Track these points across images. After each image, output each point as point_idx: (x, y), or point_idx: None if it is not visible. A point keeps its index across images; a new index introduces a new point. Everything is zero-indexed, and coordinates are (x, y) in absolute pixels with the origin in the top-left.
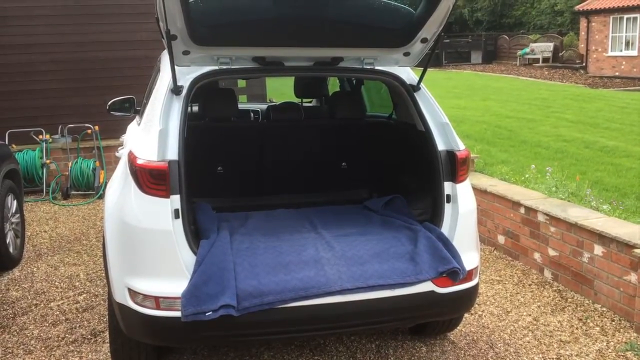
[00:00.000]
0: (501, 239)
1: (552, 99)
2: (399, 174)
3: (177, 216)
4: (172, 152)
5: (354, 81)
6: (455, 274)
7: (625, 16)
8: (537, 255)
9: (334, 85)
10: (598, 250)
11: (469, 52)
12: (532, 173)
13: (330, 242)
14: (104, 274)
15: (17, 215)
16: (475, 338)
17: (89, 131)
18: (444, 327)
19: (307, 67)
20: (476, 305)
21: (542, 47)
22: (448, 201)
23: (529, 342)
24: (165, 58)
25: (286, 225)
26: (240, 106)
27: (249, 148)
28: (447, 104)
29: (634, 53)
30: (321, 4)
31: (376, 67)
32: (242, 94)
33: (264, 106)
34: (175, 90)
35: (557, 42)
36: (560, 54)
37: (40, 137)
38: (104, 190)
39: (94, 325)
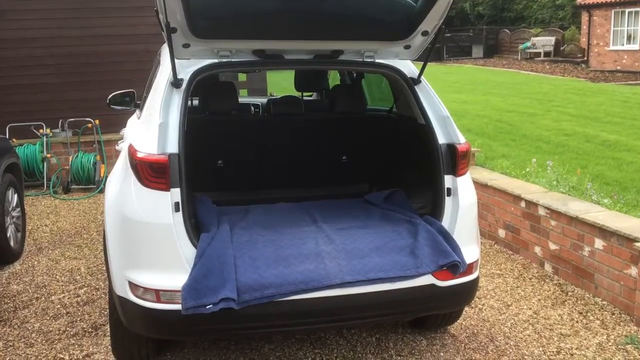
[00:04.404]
0: (502, 232)
1: (553, 93)
2: (400, 167)
3: (177, 209)
4: (172, 146)
5: (355, 74)
6: (455, 267)
7: (627, 10)
8: (537, 249)
9: (334, 78)
10: (599, 244)
11: (470, 46)
12: (533, 167)
13: (330, 236)
14: (104, 268)
15: (18, 209)
16: (475, 331)
17: (90, 125)
18: (444, 321)
19: (307, 60)
20: (476, 299)
21: (544, 41)
22: (448, 194)
23: (529, 335)
24: (165, 51)
25: (286, 218)
26: (241, 100)
27: (249, 142)
28: (448, 98)
29: (636, 47)
30: None
31: (377, 60)
32: (242, 88)
33: (264, 100)
34: (175, 83)
35: (558, 36)
36: (562, 48)
37: (41, 131)
38: (104, 185)
39: (95, 318)
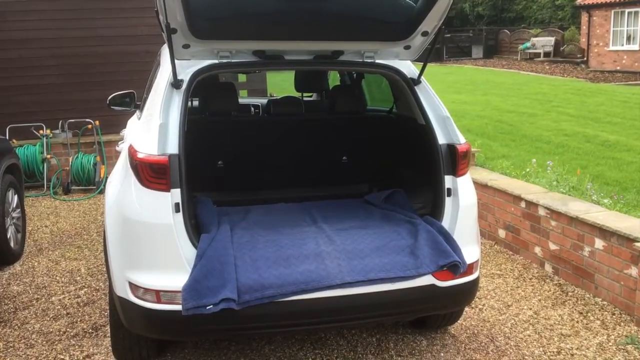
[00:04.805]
0: (502, 233)
1: (553, 93)
2: (400, 167)
3: (177, 210)
4: (173, 146)
5: (355, 75)
6: (455, 267)
7: (627, 10)
8: (537, 249)
9: (334, 79)
10: (599, 244)
11: (470, 47)
12: (533, 167)
13: (330, 236)
14: (105, 268)
15: (18, 210)
16: (475, 332)
17: (90, 126)
18: (444, 321)
19: (307, 60)
20: (477, 299)
21: (543, 42)
22: (449, 195)
23: (529, 335)
24: (165, 52)
25: (286, 219)
26: (241, 100)
27: (249, 142)
28: (448, 98)
29: (635, 47)
30: None
31: (377, 61)
32: (242, 89)
33: (264, 101)
34: (176, 84)
35: (558, 36)
36: (562, 49)
37: (41, 132)
38: (104, 185)
39: (95, 319)
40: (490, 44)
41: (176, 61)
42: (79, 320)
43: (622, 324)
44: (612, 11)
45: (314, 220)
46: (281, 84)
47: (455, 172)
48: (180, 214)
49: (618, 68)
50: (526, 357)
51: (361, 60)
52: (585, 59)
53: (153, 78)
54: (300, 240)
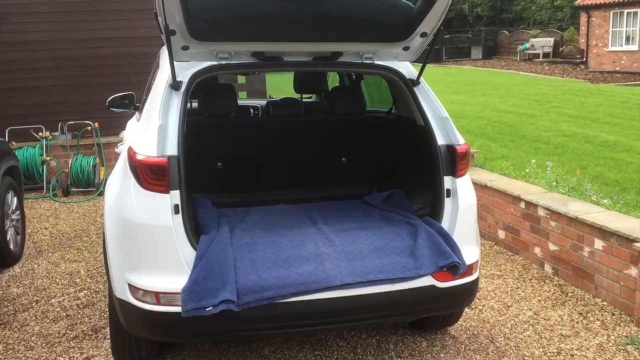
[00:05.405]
0: (501, 233)
1: (552, 94)
2: (399, 168)
3: (176, 212)
4: (172, 148)
5: (354, 76)
6: (455, 268)
7: (626, 11)
8: (537, 250)
9: (333, 80)
10: (598, 244)
11: (469, 48)
12: (533, 168)
13: (330, 237)
14: (104, 270)
15: (18, 212)
16: (475, 332)
17: (89, 128)
18: (444, 322)
19: (307, 62)
20: (477, 300)
21: (542, 42)
22: (448, 196)
23: (529, 336)
24: (164, 54)
25: (286, 220)
26: (240, 102)
27: (249, 144)
28: (447, 99)
29: (635, 48)
30: None
31: (376, 62)
32: (241, 90)
33: (263, 102)
34: (175, 85)
35: (557, 37)
36: (561, 49)
37: (40, 134)
38: (104, 187)
39: (95, 321)
40: (489, 44)
41: (175, 63)
42: (78, 322)
43: (622, 324)
44: (611, 12)
45: (314, 221)
46: (280, 86)
47: (455, 172)
48: (180, 216)
49: (617, 68)
50: (526, 358)
51: (360, 61)
52: (584, 59)
53: (152, 80)
54: (299, 241)
